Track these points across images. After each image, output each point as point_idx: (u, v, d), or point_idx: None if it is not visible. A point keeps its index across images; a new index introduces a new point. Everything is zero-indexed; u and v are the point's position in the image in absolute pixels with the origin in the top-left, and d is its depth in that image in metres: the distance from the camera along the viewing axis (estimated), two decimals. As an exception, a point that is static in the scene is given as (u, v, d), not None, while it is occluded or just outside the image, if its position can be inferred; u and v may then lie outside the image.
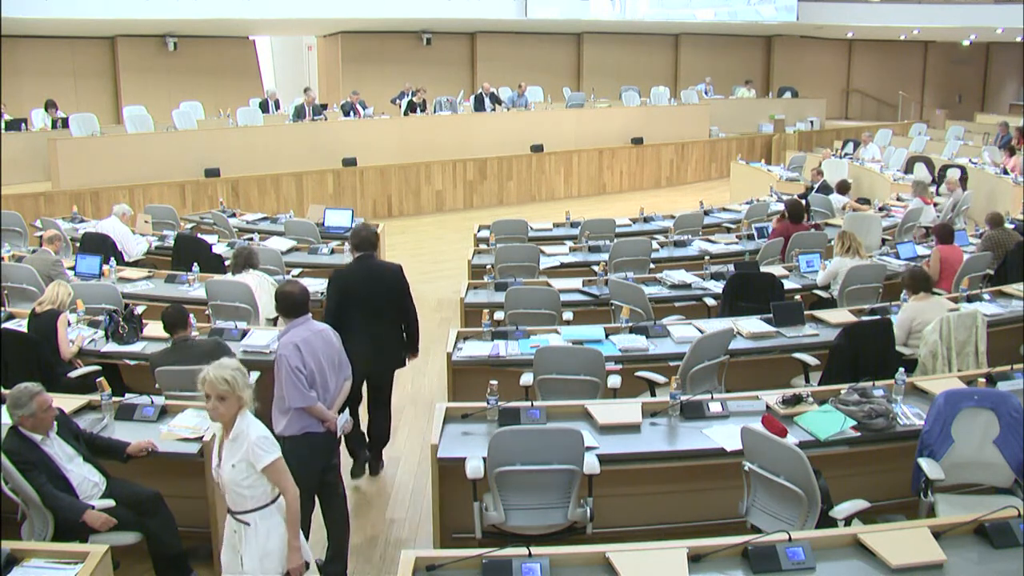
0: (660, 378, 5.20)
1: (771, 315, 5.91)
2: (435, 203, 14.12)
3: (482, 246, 8.80)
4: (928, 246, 8.07)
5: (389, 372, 5.39)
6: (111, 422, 4.56)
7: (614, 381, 4.97)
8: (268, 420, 3.90)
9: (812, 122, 18.32)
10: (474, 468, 3.85)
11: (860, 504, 3.61)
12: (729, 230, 9.65)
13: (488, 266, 7.45)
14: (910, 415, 4.39)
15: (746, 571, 3.11)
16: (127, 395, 4.90)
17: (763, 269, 7.31)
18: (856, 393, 4.41)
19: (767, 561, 3.10)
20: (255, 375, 5.01)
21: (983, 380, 4.74)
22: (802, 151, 16.15)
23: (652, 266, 7.83)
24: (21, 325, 5.81)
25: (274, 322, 6.29)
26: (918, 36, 21.16)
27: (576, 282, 7.12)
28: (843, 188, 10.91)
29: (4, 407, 3.87)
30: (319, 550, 4.21)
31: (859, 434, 4.22)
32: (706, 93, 18.36)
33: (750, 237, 8.88)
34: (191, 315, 5.34)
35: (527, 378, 5.04)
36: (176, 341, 5.10)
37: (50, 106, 13.25)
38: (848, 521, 3.55)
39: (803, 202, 9.16)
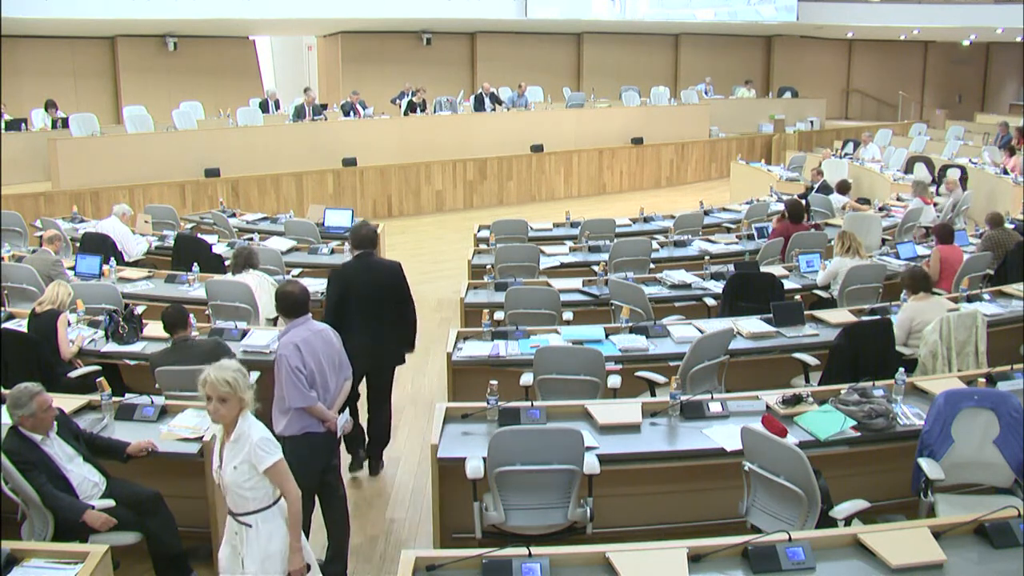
0: (660, 378, 5.20)
1: (771, 315, 5.91)
2: (435, 203, 14.12)
3: (482, 246, 8.80)
4: (928, 246, 8.07)
5: (389, 369, 5.40)
6: (111, 422, 4.55)
7: (614, 381, 4.97)
8: (268, 421, 3.90)
9: (812, 122, 18.32)
10: (474, 468, 3.85)
11: (860, 504, 3.61)
12: (729, 230, 9.65)
13: (488, 266, 7.45)
14: (910, 415, 4.39)
15: (746, 571, 3.11)
16: (127, 395, 4.90)
17: (763, 269, 7.31)
18: (856, 393, 4.41)
19: (767, 561, 3.10)
20: (255, 375, 5.00)
21: (983, 380, 4.74)
22: (802, 151, 16.15)
23: (652, 266, 7.83)
24: (21, 325, 5.81)
25: (274, 322, 6.29)
26: (918, 36, 21.16)
27: (576, 282, 7.12)
28: (843, 188, 10.91)
29: (4, 407, 3.87)
30: (319, 550, 4.20)
31: (859, 434, 4.22)
32: (706, 93, 18.36)
33: (750, 237, 8.88)
34: (191, 315, 5.34)
35: (527, 378, 5.04)
36: (176, 341, 5.10)
37: (50, 106, 13.25)
38: (848, 521, 3.55)
39: (803, 202, 9.16)
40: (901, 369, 4.73)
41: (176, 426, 4.42)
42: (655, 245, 8.37)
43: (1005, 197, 11.17)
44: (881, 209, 10.49)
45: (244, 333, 5.86)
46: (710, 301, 6.79)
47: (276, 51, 19.60)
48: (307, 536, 3.83)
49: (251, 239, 8.93)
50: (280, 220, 9.88)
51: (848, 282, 6.71)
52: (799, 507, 3.56)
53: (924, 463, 3.93)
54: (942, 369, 5.25)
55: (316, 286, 6.42)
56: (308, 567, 3.42)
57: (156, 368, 4.98)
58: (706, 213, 10.22)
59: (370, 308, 5.14)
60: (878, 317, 5.79)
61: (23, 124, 12.88)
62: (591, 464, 3.90)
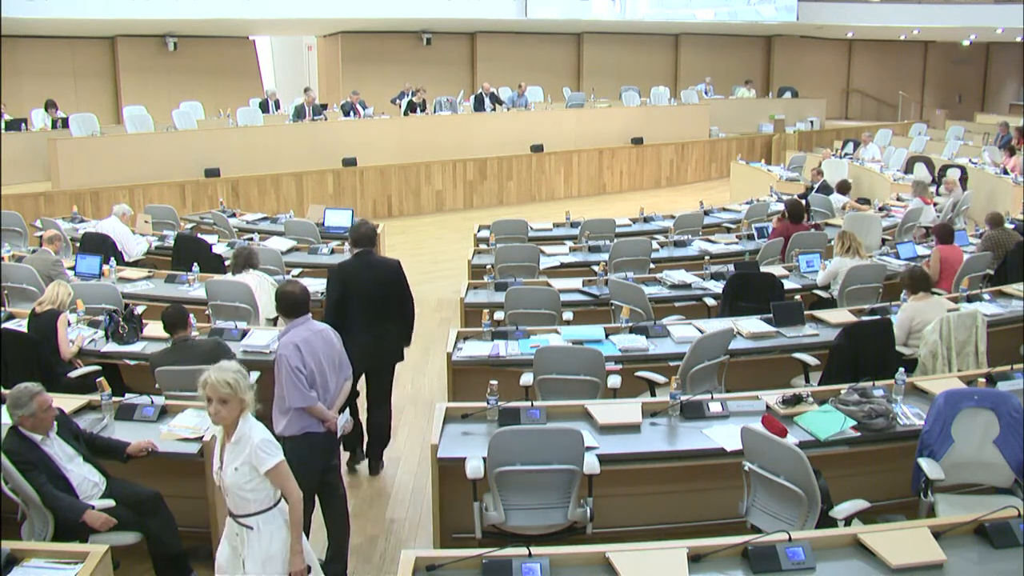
0: (660, 378, 5.20)
1: (771, 315, 5.91)
2: (435, 203, 14.13)
3: (482, 246, 8.80)
4: (928, 246, 8.07)
5: (389, 367, 5.40)
6: (111, 422, 4.56)
7: (614, 381, 4.97)
8: (269, 421, 3.90)
9: (812, 122, 18.32)
10: (474, 468, 3.85)
11: (860, 504, 3.61)
12: (729, 230, 9.65)
13: (488, 266, 7.45)
14: (910, 415, 4.39)
15: (746, 571, 3.11)
16: (127, 395, 4.90)
17: (763, 269, 7.31)
18: (856, 393, 4.41)
19: (767, 561, 3.10)
20: (255, 375, 5.00)
21: (983, 380, 4.74)
22: (802, 151, 16.15)
23: (652, 266, 7.83)
24: (21, 325, 5.81)
25: (274, 322, 6.29)
26: (918, 36, 21.16)
27: (576, 282, 7.12)
28: (843, 188, 10.91)
29: (4, 407, 3.87)
30: (319, 550, 4.20)
31: (859, 434, 4.22)
32: (706, 93, 18.37)
33: (750, 237, 8.88)
34: (191, 315, 5.34)
35: (527, 378, 5.04)
36: (176, 341, 5.10)
37: (50, 106, 13.25)
38: (848, 521, 3.55)
39: (803, 202, 9.16)
40: (901, 369, 4.73)
41: (176, 426, 4.42)
42: (655, 245, 8.36)
43: (1005, 197, 11.17)
44: (881, 209, 10.49)
45: (244, 333, 5.86)
46: (710, 301, 6.79)
47: (276, 51, 19.60)
48: (307, 536, 3.83)
49: (251, 239, 8.93)
50: (280, 220, 9.88)
51: (848, 282, 6.71)
52: (799, 507, 3.56)
53: (924, 463, 3.93)
54: (942, 369, 5.25)
55: (316, 286, 6.41)
56: (308, 569, 3.41)
57: (156, 368, 4.97)
58: (706, 213, 10.22)
59: (370, 306, 5.15)
60: (878, 317, 5.79)
61: (23, 124, 12.88)
62: (591, 464, 3.90)
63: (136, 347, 5.73)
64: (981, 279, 7.28)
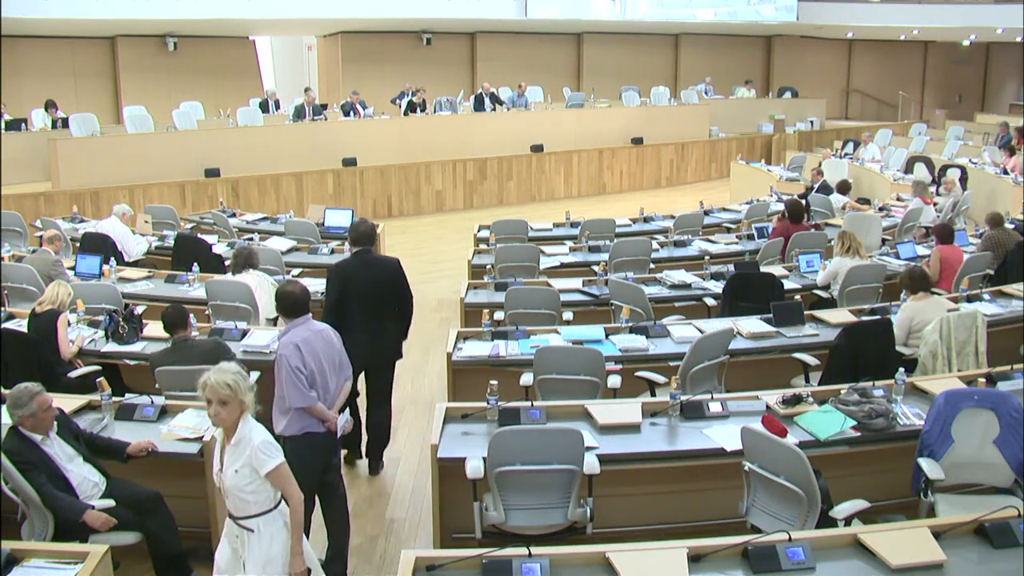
0: (660, 378, 5.20)
1: (771, 315, 5.91)
2: (435, 203, 14.13)
3: (482, 246, 8.80)
4: (928, 246, 8.07)
5: (389, 365, 5.41)
6: (111, 422, 4.56)
7: (614, 381, 4.97)
8: (269, 421, 3.90)
9: (812, 122, 18.33)
10: (474, 468, 3.85)
11: (860, 504, 3.61)
12: (729, 230, 9.65)
13: (488, 266, 7.45)
14: (910, 415, 4.39)
15: (746, 571, 3.11)
16: (127, 395, 4.90)
17: (763, 269, 7.31)
18: (856, 393, 4.40)
19: (767, 561, 3.10)
20: (255, 375, 5.02)
21: (983, 380, 4.74)
22: (802, 151, 16.15)
23: (652, 266, 7.83)
24: (21, 325, 5.80)
25: (274, 322, 6.29)
26: (918, 36, 21.16)
27: (576, 282, 7.12)
28: (843, 188, 10.91)
29: (4, 407, 3.87)
30: (319, 550, 4.20)
31: (859, 434, 4.22)
32: (706, 93, 18.36)
33: (750, 237, 8.88)
34: (191, 315, 5.33)
35: (527, 378, 5.04)
36: (176, 341, 5.10)
37: (50, 106, 13.25)
38: (848, 521, 3.55)
39: (803, 202, 9.16)
40: (901, 369, 4.73)
41: (176, 426, 4.42)
42: (655, 245, 8.36)
43: (1005, 197, 11.17)
44: (881, 209, 10.49)
45: (244, 333, 5.86)
46: (710, 301, 6.79)
47: (276, 51, 19.60)
48: (307, 535, 3.83)
49: (251, 239, 8.93)
50: (280, 220, 9.88)
51: (848, 282, 6.71)
52: (799, 507, 3.56)
53: (924, 463, 3.93)
54: (942, 369, 5.25)
55: (316, 286, 6.41)
56: (308, 571, 3.40)
57: (156, 368, 4.97)
58: (706, 213, 10.22)
59: (369, 305, 5.16)
60: (878, 317, 5.79)
61: (23, 124, 12.88)
62: (591, 464, 3.90)
63: (136, 347, 5.73)
64: (981, 279, 7.28)
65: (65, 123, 12.59)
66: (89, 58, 15.91)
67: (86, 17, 13.59)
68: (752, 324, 5.87)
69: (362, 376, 5.27)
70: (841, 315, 6.08)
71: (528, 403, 4.58)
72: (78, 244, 8.40)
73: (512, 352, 5.49)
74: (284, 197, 12.72)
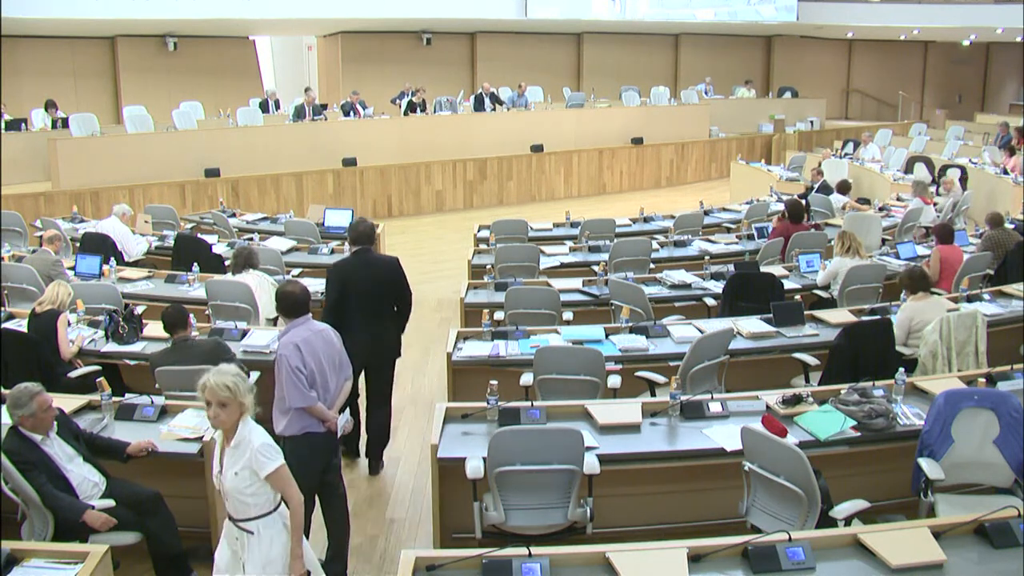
0: (660, 378, 5.20)
1: (771, 315, 5.91)
2: (435, 203, 14.12)
3: (482, 246, 8.80)
4: (928, 246, 8.07)
5: (389, 363, 5.41)
6: (111, 422, 4.56)
7: (614, 381, 4.97)
8: (269, 422, 3.90)
9: (812, 122, 18.32)
10: (474, 468, 3.85)
11: (860, 504, 3.61)
12: (729, 230, 9.65)
13: (488, 266, 7.45)
14: (910, 415, 4.39)
15: (746, 571, 3.11)
16: (127, 395, 4.90)
17: (763, 269, 7.31)
18: (856, 393, 4.40)
19: (767, 561, 3.10)
20: (255, 375, 5.03)
21: (983, 380, 4.74)
22: (802, 151, 16.15)
23: (652, 266, 7.83)
24: (21, 325, 5.80)
25: (274, 322, 6.29)
26: (918, 36, 21.16)
27: (576, 282, 7.12)
28: (843, 188, 10.91)
29: (4, 407, 3.87)
30: (319, 550, 4.20)
31: (859, 434, 4.22)
32: (706, 93, 18.36)
33: (750, 237, 8.88)
34: (191, 315, 5.33)
35: (527, 378, 5.04)
36: (176, 341, 5.10)
37: (50, 106, 13.25)
38: (848, 521, 3.55)
39: (803, 202, 9.16)
40: (901, 369, 4.73)
41: (176, 426, 4.42)
42: (655, 245, 8.36)
43: (1005, 197, 11.17)
44: (881, 209, 10.49)
45: (244, 333, 5.86)
46: (710, 301, 6.79)
47: (276, 51, 19.60)
48: (307, 535, 3.83)
49: (251, 239, 8.93)
50: (280, 220, 9.88)
51: (848, 282, 6.71)
52: (799, 507, 3.56)
53: (924, 463, 3.93)
54: (942, 369, 5.25)
55: (316, 286, 6.41)
56: (308, 573, 3.39)
57: (156, 368, 4.97)
58: (706, 213, 10.22)
59: (369, 304, 5.17)
60: (878, 317, 5.79)
61: (23, 124, 12.88)
62: (591, 464, 3.90)
63: (136, 347, 5.73)
64: (981, 279, 7.28)
65: (65, 123, 12.59)
66: (89, 58, 15.91)
67: (86, 17, 13.58)
68: (752, 324, 5.87)
69: (362, 376, 5.27)
70: (841, 315, 6.08)
71: (528, 403, 4.58)
72: (78, 244, 8.40)
73: (512, 352, 5.49)
74: (284, 197, 12.72)
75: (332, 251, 8.46)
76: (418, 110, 14.79)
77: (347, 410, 4.29)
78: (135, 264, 8.29)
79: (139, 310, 6.19)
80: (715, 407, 4.51)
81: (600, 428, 4.34)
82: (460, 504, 4.05)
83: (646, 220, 10.07)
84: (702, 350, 5.09)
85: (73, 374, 5.43)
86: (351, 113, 14.47)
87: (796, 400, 4.48)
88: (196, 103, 14.00)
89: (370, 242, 5.34)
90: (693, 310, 6.81)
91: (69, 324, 5.75)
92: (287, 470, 3.31)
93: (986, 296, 6.56)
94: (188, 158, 12.27)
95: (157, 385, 4.99)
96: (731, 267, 7.29)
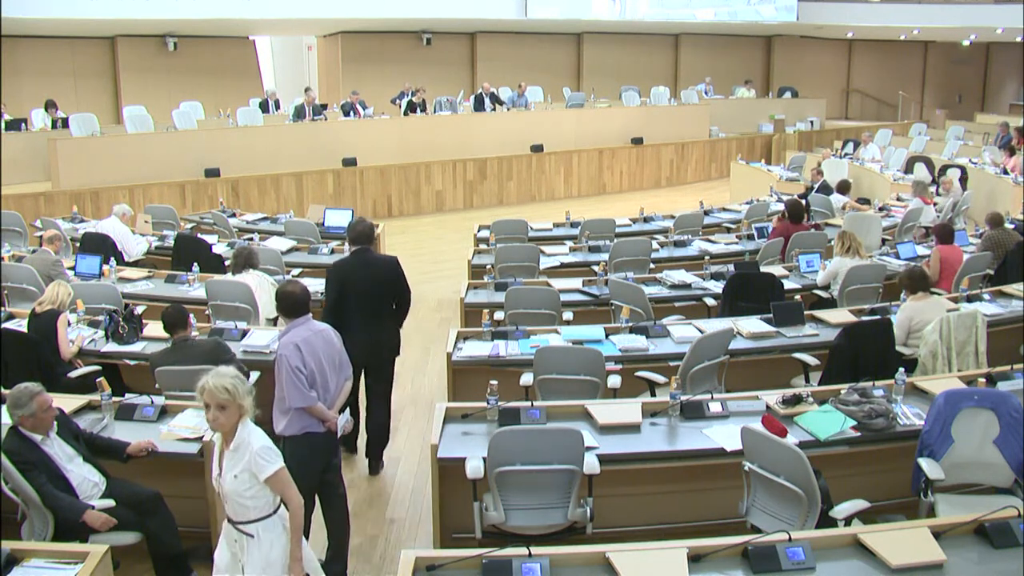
0: (660, 378, 5.20)
1: (771, 315, 5.91)
2: (435, 203, 14.13)
3: (482, 246, 8.80)
4: (928, 246, 8.08)
5: (388, 362, 5.41)
6: (111, 422, 4.56)
7: (614, 381, 4.97)
8: (269, 422, 3.90)
9: (812, 122, 18.33)
10: (474, 468, 3.85)
11: (860, 504, 3.61)
12: (729, 230, 9.65)
13: (488, 266, 7.45)
14: (910, 415, 4.39)
15: (746, 571, 3.11)
16: (127, 395, 4.90)
17: (763, 269, 7.31)
18: (856, 393, 4.40)
19: (767, 561, 3.10)
20: (255, 375, 5.03)
21: (983, 380, 4.74)
22: (802, 151, 16.15)
23: (652, 266, 7.83)
24: (21, 325, 5.80)
25: (274, 322, 6.29)
26: (918, 36, 21.17)
27: (576, 282, 7.12)
28: (843, 188, 10.91)
29: (4, 407, 3.87)
30: (319, 550, 4.20)
31: (859, 434, 4.22)
32: (706, 93, 18.36)
33: (750, 237, 8.88)
34: (191, 315, 5.33)
35: (527, 378, 5.04)
36: (176, 341, 5.10)
37: (50, 106, 13.25)
38: (848, 521, 3.55)
39: (803, 202, 9.16)
40: (901, 369, 4.73)
41: (176, 426, 4.42)
42: (655, 245, 8.36)
43: (1005, 197, 11.17)
44: (881, 209, 10.49)
45: (244, 333, 5.86)
46: (710, 301, 6.79)
47: (276, 51, 19.60)
48: (307, 536, 3.82)
49: (251, 239, 8.93)
50: (280, 220, 9.88)
51: (848, 282, 6.71)
52: (799, 507, 3.56)
53: (924, 463, 3.93)
54: (942, 369, 5.25)
55: (316, 286, 6.41)
56: None
57: (156, 368, 4.98)
58: (706, 213, 10.22)
59: (369, 304, 5.17)
60: (878, 317, 5.79)
61: (23, 124, 12.88)
62: (591, 464, 3.90)
63: (136, 347, 5.73)
64: (981, 279, 7.28)
65: (65, 123, 12.59)
66: (89, 58, 15.91)
67: (86, 17, 13.58)
68: (752, 324, 5.87)
69: (361, 376, 5.27)
70: (841, 315, 6.08)
71: (528, 403, 4.58)
72: (78, 244, 8.40)
73: (512, 352, 5.49)
74: (284, 197, 12.72)
75: (332, 251, 8.46)
76: (418, 110, 14.79)
77: (347, 410, 4.28)
78: (135, 264, 8.29)
79: (139, 310, 6.19)
80: (715, 407, 4.51)
81: (600, 428, 4.34)
82: (460, 504, 4.05)
83: (646, 220, 10.07)
84: (702, 350, 5.09)
85: (73, 374, 5.43)
86: (351, 113, 14.47)
87: (796, 400, 4.48)
88: (196, 103, 14.00)
89: (369, 242, 5.35)
90: (693, 310, 6.81)
91: (69, 324, 5.75)
92: (287, 473, 3.30)
93: (986, 296, 6.56)
94: (188, 158, 12.27)
95: (157, 385, 4.99)
96: (731, 267, 7.29)
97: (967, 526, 3.28)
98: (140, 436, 4.27)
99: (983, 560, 3.15)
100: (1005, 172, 11.98)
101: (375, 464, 5.49)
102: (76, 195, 11.21)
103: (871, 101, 22.24)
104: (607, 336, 5.69)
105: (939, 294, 6.47)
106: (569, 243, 8.73)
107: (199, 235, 9.01)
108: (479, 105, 15.30)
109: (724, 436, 4.22)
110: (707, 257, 8.01)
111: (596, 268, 7.27)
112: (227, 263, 7.54)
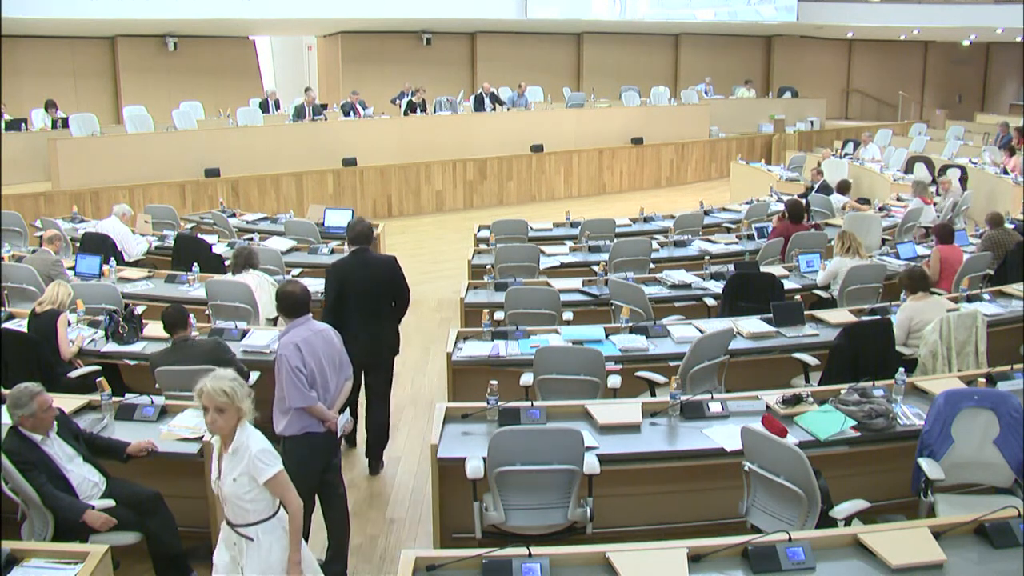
0: (660, 378, 5.20)
1: (771, 315, 5.91)
2: (435, 203, 14.13)
3: (482, 246, 8.81)
4: (928, 246, 8.08)
5: (388, 362, 5.42)
6: (111, 422, 4.56)
7: (614, 381, 4.97)
8: (269, 423, 3.90)
9: (812, 122, 18.33)
10: (474, 468, 3.85)
11: (860, 504, 3.61)
12: (729, 230, 9.65)
13: (488, 266, 7.45)
14: (910, 415, 4.39)
15: (746, 571, 3.11)
16: (127, 395, 4.90)
17: (763, 269, 7.31)
18: (856, 393, 4.41)
19: (767, 561, 3.10)
20: (255, 375, 5.03)
21: (983, 380, 4.74)
22: (802, 151, 16.15)
23: (652, 266, 7.83)
24: (21, 325, 5.80)
25: (274, 322, 6.30)
26: (918, 36, 21.17)
27: (576, 282, 7.12)
28: (843, 188, 10.91)
29: (4, 407, 3.87)
30: (319, 550, 4.20)
31: (859, 434, 4.22)
32: (706, 93, 18.37)
33: (750, 237, 8.88)
34: (191, 315, 5.33)
35: (527, 378, 5.04)
36: (176, 341, 5.09)
37: (50, 106, 13.25)
38: (848, 521, 3.55)
39: (803, 202, 9.15)
40: (901, 369, 4.73)
41: (176, 426, 4.42)
42: (655, 245, 8.37)
43: (1005, 197, 11.18)
44: (881, 209, 10.49)
45: (244, 333, 5.86)
46: (710, 301, 6.79)
47: (276, 51, 19.60)
48: (307, 536, 3.82)
49: (251, 239, 8.94)
50: (280, 220, 9.88)
51: (848, 282, 6.71)
52: (799, 507, 3.56)
53: (924, 463, 3.93)
54: (942, 369, 5.25)
55: (316, 286, 6.41)
56: None
57: (156, 368, 4.98)
58: (706, 213, 10.22)
59: (368, 303, 5.18)
60: (878, 317, 5.79)
61: (23, 124, 12.88)
62: (591, 464, 3.90)
63: (136, 347, 5.73)
64: (981, 279, 7.28)
65: (65, 123, 12.59)
66: (89, 58, 15.91)
67: (86, 17, 13.58)
68: (752, 324, 5.87)
69: (361, 375, 5.27)
70: (841, 315, 6.08)
71: (528, 403, 4.58)
72: (78, 244, 8.40)
73: (512, 352, 5.49)
74: (284, 197, 12.72)
75: (332, 251, 8.46)
76: (418, 110, 14.79)
77: (347, 410, 4.28)
78: (135, 264, 8.29)
79: (139, 310, 6.19)
80: (715, 407, 4.51)
81: (600, 428, 4.34)
82: (460, 504, 4.05)
83: (646, 220, 10.07)
84: (702, 350, 5.09)
85: (73, 374, 5.44)
86: (351, 113, 14.47)
87: (796, 400, 4.48)
88: (196, 103, 14.00)
89: (368, 242, 5.35)
90: (693, 310, 6.81)
91: (69, 324, 5.75)
92: (286, 476, 3.29)
93: (986, 296, 6.56)
94: (188, 158, 12.27)
95: (157, 385, 4.99)
96: (731, 267, 7.29)
97: (967, 526, 3.28)
98: (140, 436, 4.27)
99: (983, 560, 3.15)
100: (1005, 172, 11.98)
101: (375, 464, 5.49)
102: (76, 195, 11.21)
103: (871, 101, 22.25)
104: (607, 336, 5.69)
105: (939, 294, 6.47)
106: (569, 243, 8.73)
107: (199, 235, 9.01)
108: (479, 105, 15.30)
109: (724, 436, 4.22)
110: (707, 257, 8.01)
111: (596, 268, 7.27)
112: (227, 263, 7.54)
